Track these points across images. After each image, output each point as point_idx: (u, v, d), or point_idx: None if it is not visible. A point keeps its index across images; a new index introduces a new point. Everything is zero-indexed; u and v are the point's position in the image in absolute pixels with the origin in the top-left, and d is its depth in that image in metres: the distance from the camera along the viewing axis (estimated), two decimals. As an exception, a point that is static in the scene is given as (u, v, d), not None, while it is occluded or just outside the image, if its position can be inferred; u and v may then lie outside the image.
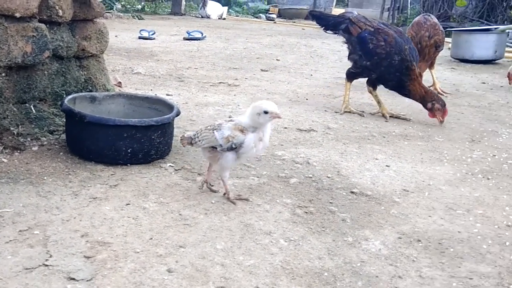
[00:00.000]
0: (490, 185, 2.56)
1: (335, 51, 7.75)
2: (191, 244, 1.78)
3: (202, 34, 8.53)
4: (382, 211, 2.18)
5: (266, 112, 1.97)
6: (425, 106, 3.70)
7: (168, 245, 1.76)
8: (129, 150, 2.41)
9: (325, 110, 3.96)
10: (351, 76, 3.95)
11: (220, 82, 4.82)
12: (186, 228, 1.90)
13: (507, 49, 7.35)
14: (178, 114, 2.65)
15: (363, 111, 3.92)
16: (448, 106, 4.32)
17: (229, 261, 1.70)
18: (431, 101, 3.65)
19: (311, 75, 5.64)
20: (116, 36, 7.52)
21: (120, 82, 4.09)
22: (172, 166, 2.49)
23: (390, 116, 3.81)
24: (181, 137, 2.18)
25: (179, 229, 1.88)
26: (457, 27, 9.23)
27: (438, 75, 5.76)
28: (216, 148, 2.05)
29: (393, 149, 3.06)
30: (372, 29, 3.74)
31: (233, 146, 2.01)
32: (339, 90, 4.76)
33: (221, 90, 4.50)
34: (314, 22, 4.30)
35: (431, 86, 4.78)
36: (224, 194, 2.17)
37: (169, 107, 2.72)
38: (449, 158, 2.96)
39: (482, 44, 6.86)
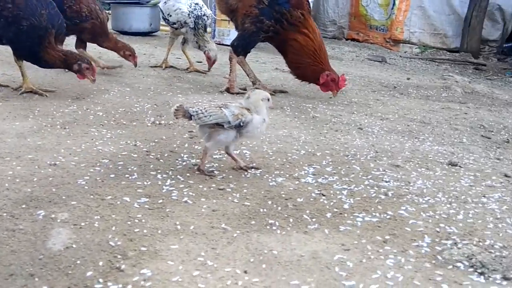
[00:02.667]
0: (62, 134, 2.69)
1: None
2: None
3: None
4: None
5: (268, 100, 2.22)
6: (72, 69, 3.43)
7: None
8: None
9: None
10: None
11: None
12: None
13: (162, 22, 8.03)
14: None
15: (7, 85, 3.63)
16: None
17: None
18: (76, 62, 3.38)
19: None
20: None
21: None
22: None
23: (30, 91, 3.53)
24: (177, 107, 2.09)
25: None
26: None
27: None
28: (220, 125, 2.10)
29: (-18, 111, 2.91)
30: None
31: (241, 123, 2.12)
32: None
33: None
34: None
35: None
36: (198, 166, 2.22)
37: None
38: (38, 114, 3.00)
39: (138, 16, 7.30)
